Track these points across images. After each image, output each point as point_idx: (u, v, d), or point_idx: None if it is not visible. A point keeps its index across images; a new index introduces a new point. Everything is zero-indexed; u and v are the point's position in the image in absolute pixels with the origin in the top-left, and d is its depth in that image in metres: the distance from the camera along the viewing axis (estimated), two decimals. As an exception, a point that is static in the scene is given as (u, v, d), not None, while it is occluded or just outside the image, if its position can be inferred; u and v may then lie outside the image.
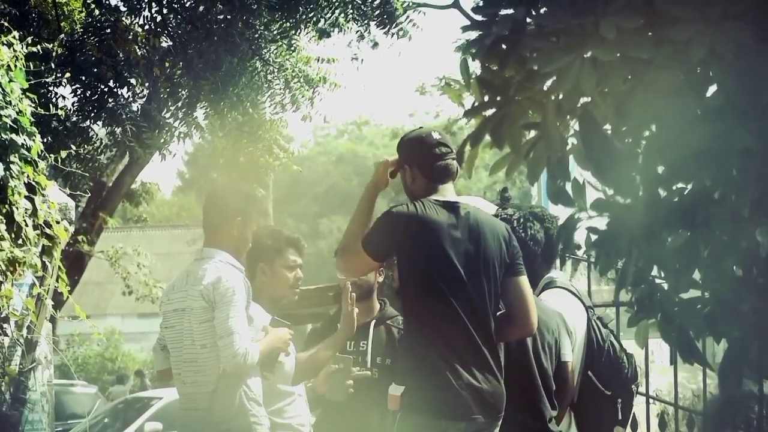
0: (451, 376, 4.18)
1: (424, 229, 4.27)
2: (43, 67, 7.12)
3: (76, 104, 10.47)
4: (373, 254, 4.36)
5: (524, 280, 4.48)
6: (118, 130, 10.52)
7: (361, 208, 4.52)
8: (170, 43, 11.00)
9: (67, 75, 9.10)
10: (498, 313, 4.42)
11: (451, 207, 4.39)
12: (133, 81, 10.63)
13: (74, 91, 10.40)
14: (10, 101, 5.36)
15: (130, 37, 10.54)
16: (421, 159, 4.47)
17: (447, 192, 4.43)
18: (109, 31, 10.39)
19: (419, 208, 4.31)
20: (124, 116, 10.30)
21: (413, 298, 4.33)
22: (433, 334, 4.23)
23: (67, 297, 6.04)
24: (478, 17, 2.75)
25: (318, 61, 11.68)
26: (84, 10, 11.08)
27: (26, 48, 5.72)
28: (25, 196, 5.41)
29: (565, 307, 5.01)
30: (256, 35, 10.93)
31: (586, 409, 5.03)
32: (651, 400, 6.47)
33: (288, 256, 5.17)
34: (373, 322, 5.35)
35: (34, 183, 5.49)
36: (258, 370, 4.78)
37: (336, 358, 5.15)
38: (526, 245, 4.95)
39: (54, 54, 8.79)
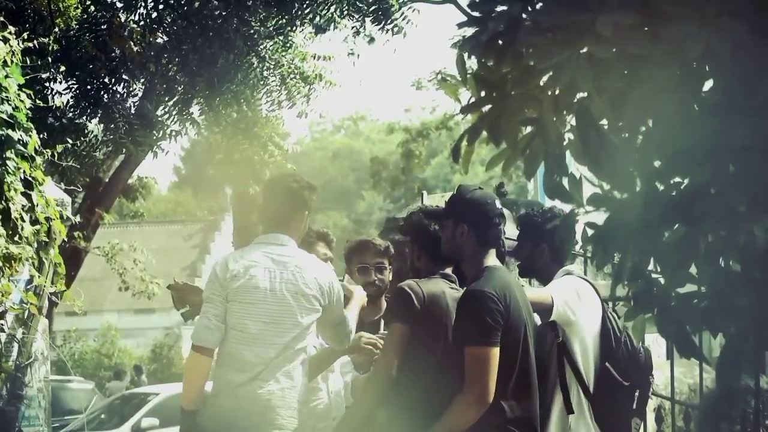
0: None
1: (512, 305, 4.29)
2: (39, 63, 7.10)
3: (71, 100, 10.47)
4: (496, 344, 4.22)
5: None
6: (111, 126, 10.53)
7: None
8: (165, 40, 10.99)
9: (63, 71, 9.09)
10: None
11: (507, 272, 4.48)
12: (128, 77, 10.64)
13: (69, 88, 10.41)
14: (6, 97, 5.35)
15: (126, 33, 10.54)
16: (481, 225, 4.45)
17: (492, 256, 4.46)
18: (104, 27, 10.40)
19: (502, 281, 4.33)
20: (117, 114, 10.31)
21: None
22: (506, 391, 4.27)
23: (64, 291, 6.02)
24: (475, 13, 2.76)
25: (314, 58, 11.70)
26: (80, 6, 11.08)
27: (22, 43, 5.71)
28: (22, 192, 5.40)
29: (565, 288, 5.05)
30: (252, 31, 10.93)
31: (603, 401, 5.04)
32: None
33: (318, 250, 5.22)
34: (383, 320, 5.37)
35: (30, 178, 5.48)
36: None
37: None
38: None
39: (50, 50, 8.78)
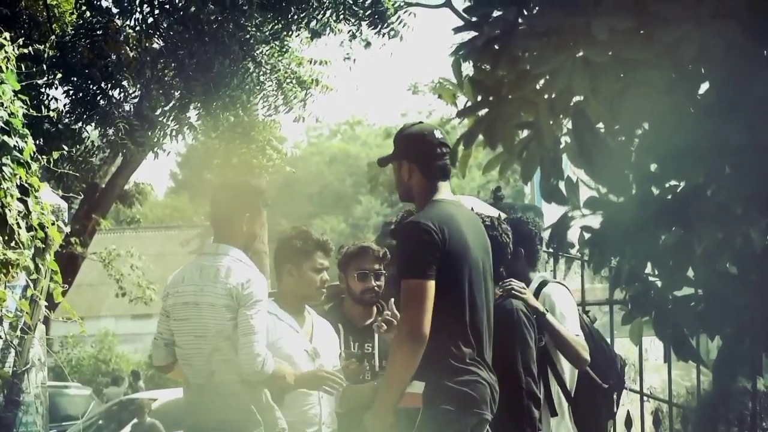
0: (475, 370, 4.17)
1: (453, 238, 4.17)
2: (34, 69, 7.09)
3: (67, 106, 10.45)
4: (431, 277, 4.11)
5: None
6: (110, 131, 10.51)
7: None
8: (162, 45, 10.98)
9: (59, 77, 9.07)
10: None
11: (458, 206, 4.39)
12: (125, 83, 10.63)
13: (66, 93, 10.39)
14: (1, 103, 5.35)
15: (122, 38, 10.53)
16: (422, 157, 4.36)
17: (445, 190, 4.37)
18: (100, 32, 10.37)
19: (443, 213, 4.22)
20: (116, 115, 10.29)
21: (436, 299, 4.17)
22: (455, 331, 4.18)
23: (59, 300, 6.00)
24: (471, 18, 2.76)
25: (310, 62, 11.68)
26: (75, 11, 11.06)
27: (17, 49, 5.70)
28: (18, 198, 5.40)
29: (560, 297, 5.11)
30: (248, 36, 10.92)
31: (583, 403, 5.06)
32: (645, 398, 6.49)
33: (316, 259, 5.14)
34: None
35: (27, 185, 5.47)
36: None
37: (347, 353, 5.17)
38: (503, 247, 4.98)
39: (45, 55, 8.77)
